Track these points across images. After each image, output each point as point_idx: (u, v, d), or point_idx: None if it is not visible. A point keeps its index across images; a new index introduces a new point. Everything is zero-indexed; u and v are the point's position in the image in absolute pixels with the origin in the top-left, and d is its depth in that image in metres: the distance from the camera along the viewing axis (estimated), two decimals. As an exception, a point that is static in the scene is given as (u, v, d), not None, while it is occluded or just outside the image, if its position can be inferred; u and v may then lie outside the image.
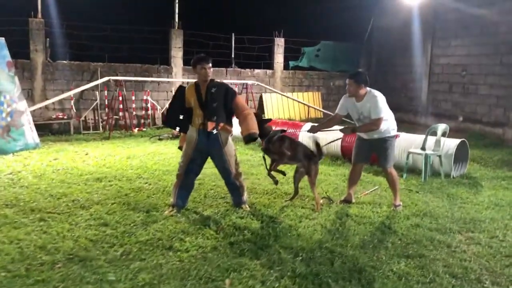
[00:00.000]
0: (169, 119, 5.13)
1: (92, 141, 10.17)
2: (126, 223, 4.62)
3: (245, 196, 5.21)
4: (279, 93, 14.29)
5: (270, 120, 5.43)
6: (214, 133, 4.84)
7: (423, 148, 7.07)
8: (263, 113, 14.27)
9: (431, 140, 7.18)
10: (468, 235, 4.55)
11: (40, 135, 10.33)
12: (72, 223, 4.58)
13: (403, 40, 14.48)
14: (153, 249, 3.99)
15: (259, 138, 5.09)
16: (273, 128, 5.49)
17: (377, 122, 5.14)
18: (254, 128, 4.86)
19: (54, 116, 11.49)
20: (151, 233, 4.34)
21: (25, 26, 11.28)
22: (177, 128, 5.11)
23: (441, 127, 7.13)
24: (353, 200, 5.57)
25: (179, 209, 5.00)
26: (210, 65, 4.87)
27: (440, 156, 6.96)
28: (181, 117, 4.97)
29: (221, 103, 4.89)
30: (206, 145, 4.91)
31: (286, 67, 15.34)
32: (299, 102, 14.73)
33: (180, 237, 4.25)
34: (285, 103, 14.76)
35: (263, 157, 5.42)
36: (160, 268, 3.64)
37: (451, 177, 6.99)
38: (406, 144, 7.45)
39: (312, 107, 14.93)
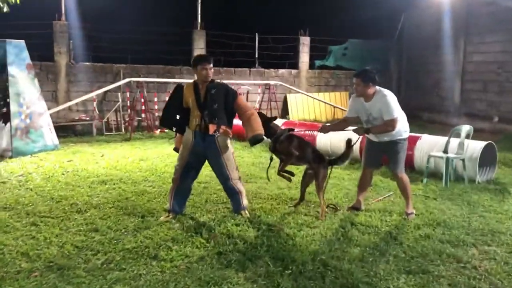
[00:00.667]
0: (165, 118, 4.93)
1: (113, 143, 10.18)
2: (117, 228, 4.46)
3: (245, 202, 4.95)
4: (304, 94, 13.94)
5: (275, 118, 5.14)
6: (216, 136, 4.63)
7: (445, 151, 6.60)
8: (287, 114, 13.98)
9: (454, 142, 6.70)
10: (483, 249, 4.12)
11: (63, 137, 10.48)
12: (63, 228, 4.46)
13: (435, 36, 13.84)
14: (137, 258, 3.80)
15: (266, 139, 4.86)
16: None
17: (391, 123, 4.76)
18: (259, 129, 4.62)
19: (77, 118, 11.62)
20: (140, 240, 4.16)
21: (49, 29, 11.46)
22: (173, 129, 4.94)
23: (465, 128, 6.64)
24: (362, 207, 5.21)
25: (175, 215, 4.81)
26: (211, 65, 4.66)
27: (463, 160, 6.47)
28: (177, 117, 4.79)
29: (222, 104, 4.67)
30: (203, 148, 4.70)
31: (311, 66, 14.98)
32: (325, 102, 14.34)
33: (168, 245, 4.04)
34: (310, 104, 14.40)
35: (270, 158, 5.16)
36: (139, 279, 3.44)
37: (476, 182, 6.48)
38: (427, 147, 6.99)
39: (339, 108, 14.50)
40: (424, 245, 4.16)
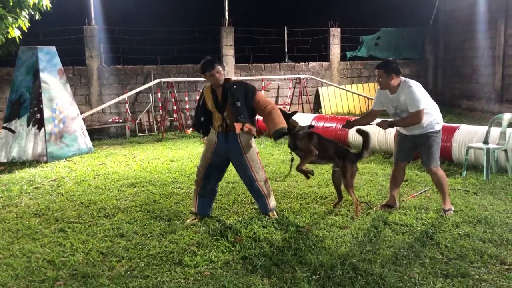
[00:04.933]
0: (196, 123, 4.88)
1: (145, 144, 10.25)
2: (143, 233, 4.41)
3: (272, 203, 4.80)
4: (336, 86, 13.62)
5: (294, 113, 4.94)
6: (239, 135, 4.49)
7: (485, 142, 6.23)
8: (320, 108, 13.71)
9: (495, 132, 6.31)
10: (529, 248, 3.82)
11: (98, 139, 10.65)
12: (90, 234, 4.45)
13: (472, 21, 13.20)
14: (161, 264, 3.73)
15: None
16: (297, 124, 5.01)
17: (417, 115, 4.50)
18: (282, 123, 4.45)
19: (110, 120, 11.77)
20: (164, 245, 4.09)
21: (80, 34, 11.65)
22: (200, 131, 4.86)
23: (507, 116, 6.24)
24: (397, 205, 4.96)
25: (201, 218, 4.72)
26: (219, 68, 4.48)
27: (505, 151, 6.08)
28: (201, 119, 4.70)
29: (243, 102, 4.54)
30: (225, 148, 4.58)
31: (343, 58, 14.61)
32: (358, 94, 13.96)
33: (192, 250, 3.96)
34: (343, 96, 14.06)
35: (291, 159, 5.00)
36: (161, 287, 3.36)
37: (521, 174, 6.08)
38: (466, 137, 6.62)
39: (373, 99, 14.06)
40: (464, 245, 3.89)
